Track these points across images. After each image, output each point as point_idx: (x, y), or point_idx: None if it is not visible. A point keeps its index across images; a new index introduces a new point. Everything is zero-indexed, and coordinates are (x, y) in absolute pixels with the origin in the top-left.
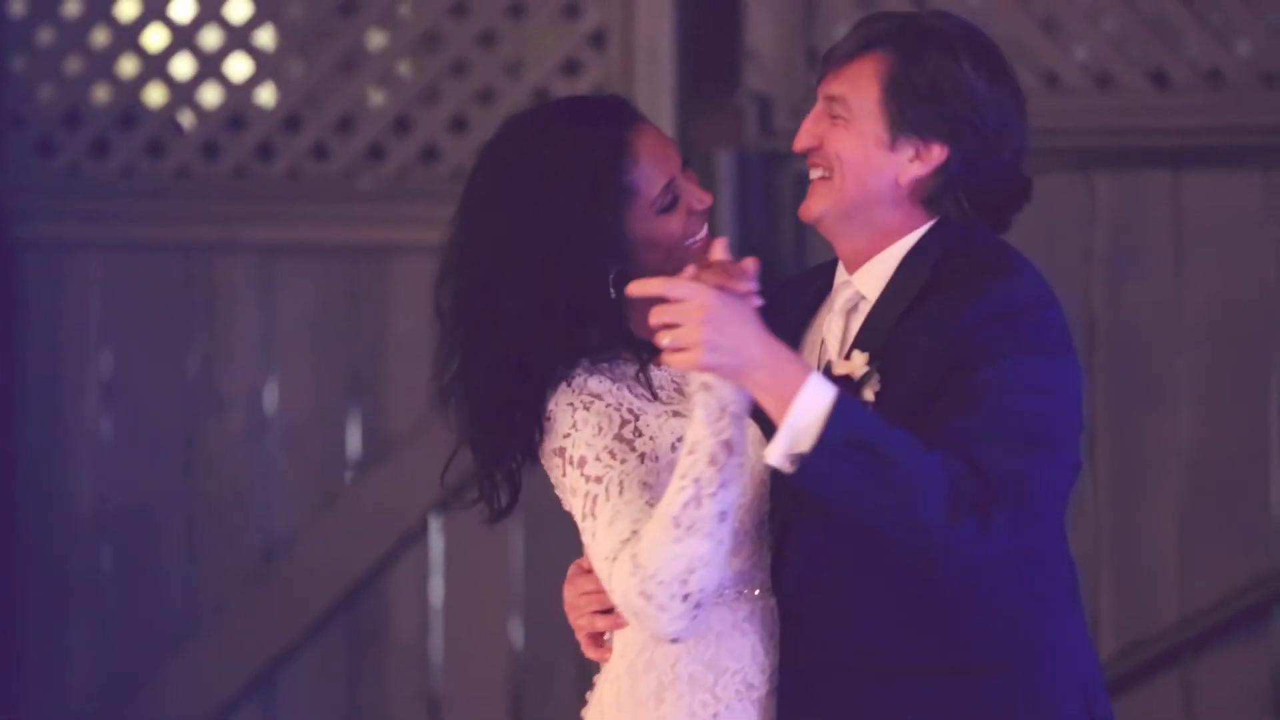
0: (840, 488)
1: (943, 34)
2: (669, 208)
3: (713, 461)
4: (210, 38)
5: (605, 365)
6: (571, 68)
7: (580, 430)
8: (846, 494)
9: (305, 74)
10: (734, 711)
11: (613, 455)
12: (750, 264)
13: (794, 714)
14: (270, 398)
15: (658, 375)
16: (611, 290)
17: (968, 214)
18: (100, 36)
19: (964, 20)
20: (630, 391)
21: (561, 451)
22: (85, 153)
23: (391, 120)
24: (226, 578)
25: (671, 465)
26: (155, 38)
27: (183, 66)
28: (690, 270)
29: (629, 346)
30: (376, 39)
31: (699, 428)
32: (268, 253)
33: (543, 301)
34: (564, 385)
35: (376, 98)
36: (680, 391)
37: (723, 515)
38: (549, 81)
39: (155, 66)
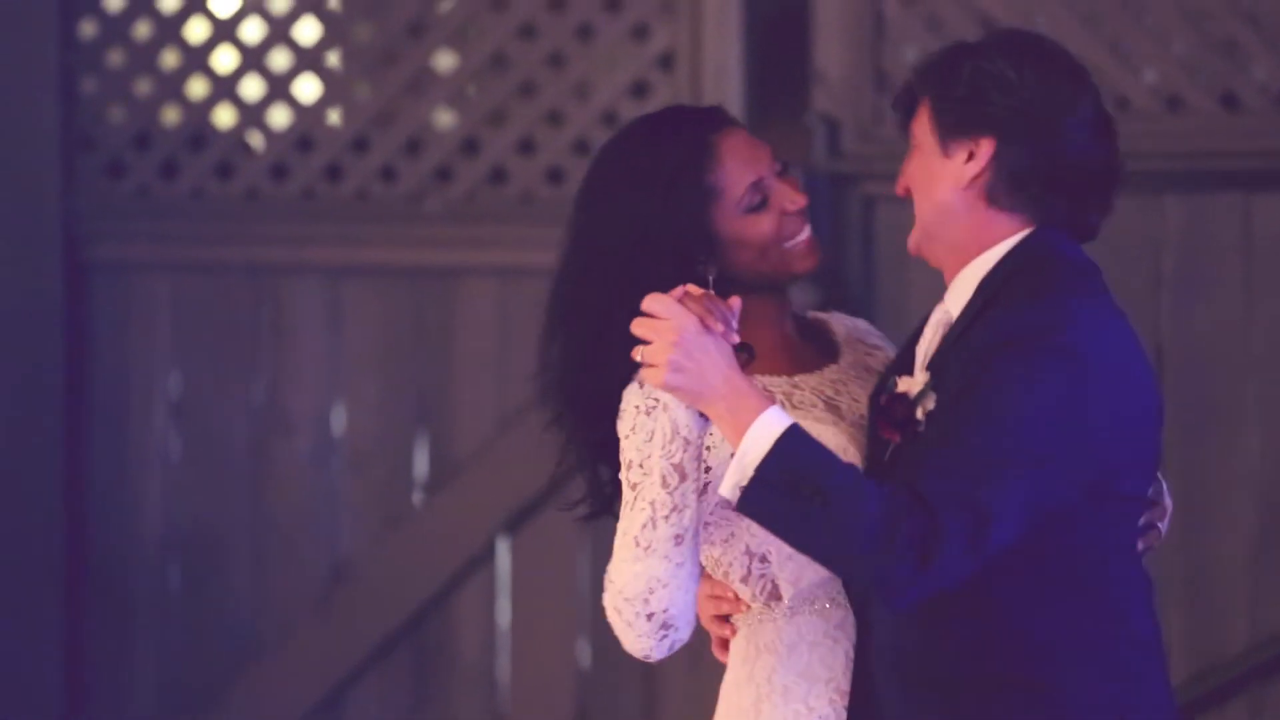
0: (775, 522)
1: (971, 46)
2: (758, 207)
3: (664, 484)
4: (279, 59)
5: None
6: (640, 89)
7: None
8: (782, 529)
9: (373, 96)
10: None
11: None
12: (735, 303)
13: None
14: (337, 420)
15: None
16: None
17: (1041, 203)
18: (170, 58)
19: (1003, 28)
20: None
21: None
22: (155, 174)
23: (459, 142)
24: (293, 600)
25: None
26: (225, 59)
27: (252, 88)
28: (678, 291)
29: None
30: (445, 61)
31: (654, 450)
32: (335, 274)
33: (623, 297)
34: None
35: (444, 119)
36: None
37: (678, 538)
38: (617, 103)
39: (225, 88)
